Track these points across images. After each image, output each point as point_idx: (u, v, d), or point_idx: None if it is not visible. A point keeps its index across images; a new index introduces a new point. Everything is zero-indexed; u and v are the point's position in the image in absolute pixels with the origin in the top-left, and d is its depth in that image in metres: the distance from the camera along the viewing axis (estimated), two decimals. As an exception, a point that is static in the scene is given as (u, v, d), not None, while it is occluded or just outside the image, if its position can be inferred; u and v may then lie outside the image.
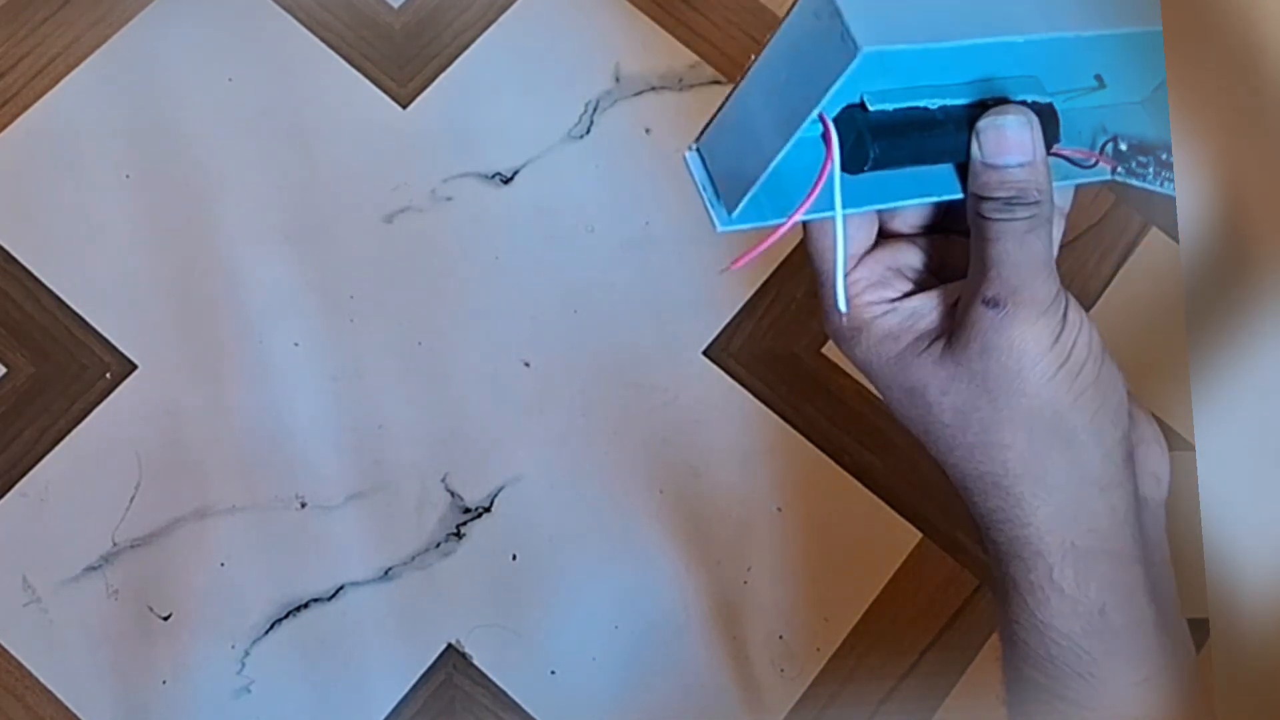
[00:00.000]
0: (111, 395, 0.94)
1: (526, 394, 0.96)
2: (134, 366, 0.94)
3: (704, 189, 0.43)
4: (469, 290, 0.98)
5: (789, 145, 0.40)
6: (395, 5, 1.05)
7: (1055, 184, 0.46)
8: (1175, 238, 0.98)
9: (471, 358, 0.97)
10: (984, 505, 0.44)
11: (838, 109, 0.42)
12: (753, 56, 0.41)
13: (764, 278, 0.97)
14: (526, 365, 0.97)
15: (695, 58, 1.04)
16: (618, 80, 1.04)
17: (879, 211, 0.46)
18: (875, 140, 0.42)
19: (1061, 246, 0.47)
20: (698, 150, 0.43)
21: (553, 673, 0.91)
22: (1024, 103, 0.43)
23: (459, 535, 0.93)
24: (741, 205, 0.42)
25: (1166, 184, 0.45)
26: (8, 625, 0.89)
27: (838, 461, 0.96)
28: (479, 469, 0.95)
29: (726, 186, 0.43)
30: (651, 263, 1.00)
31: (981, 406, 0.43)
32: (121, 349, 0.95)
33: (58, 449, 0.93)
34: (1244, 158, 0.37)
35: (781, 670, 0.92)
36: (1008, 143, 0.42)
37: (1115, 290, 1.00)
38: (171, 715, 0.89)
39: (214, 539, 0.92)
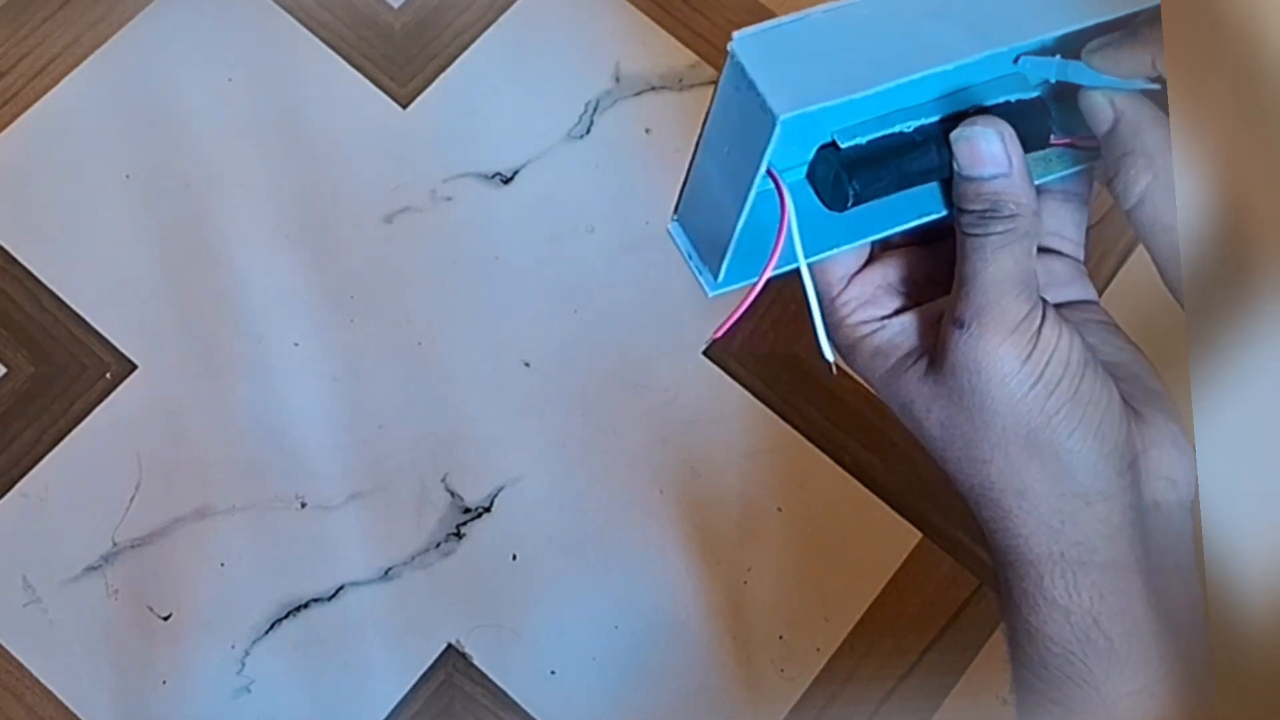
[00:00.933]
0: (111, 395, 0.94)
1: (526, 394, 0.96)
2: (134, 366, 0.94)
3: (690, 258, 0.43)
4: (469, 290, 0.98)
5: (746, 210, 0.40)
6: (395, 5, 1.05)
7: (1069, 172, 0.45)
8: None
9: (471, 358, 0.97)
10: (979, 514, 0.45)
11: (812, 151, 0.43)
12: (702, 124, 0.41)
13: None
14: (526, 365, 0.97)
15: (695, 58, 1.04)
16: (618, 80, 1.04)
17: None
18: (853, 177, 0.42)
19: (1089, 229, 0.47)
20: (678, 220, 0.44)
21: (553, 673, 0.91)
22: (1006, 103, 0.43)
23: (459, 535, 0.93)
24: (724, 269, 0.42)
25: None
26: (8, 625, 0.89)
27: (838, 461, 0.96)
28: (479, 469, 0.95)
29: (707, 252, 0.43)
30: (651, 263, 0.99)
31: (961, 423, 0.43)
32: (121, 349, 0.95)
33: (58, 449, 0.93)
34: (1244, 158, 0.37)
35: (781, 670, 0.92)
36: (979, 155, 0.42)
37: (1115, 290, 1.00)
38: (171, 715, 0.89)
39: (214, 539, 0.92)
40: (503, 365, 0.97)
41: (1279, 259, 0.37)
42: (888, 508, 0.95)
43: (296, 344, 0.96)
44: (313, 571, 0.92)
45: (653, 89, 1.04)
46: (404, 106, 1.02)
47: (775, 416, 0.96)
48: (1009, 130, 0.42)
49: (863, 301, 0.46)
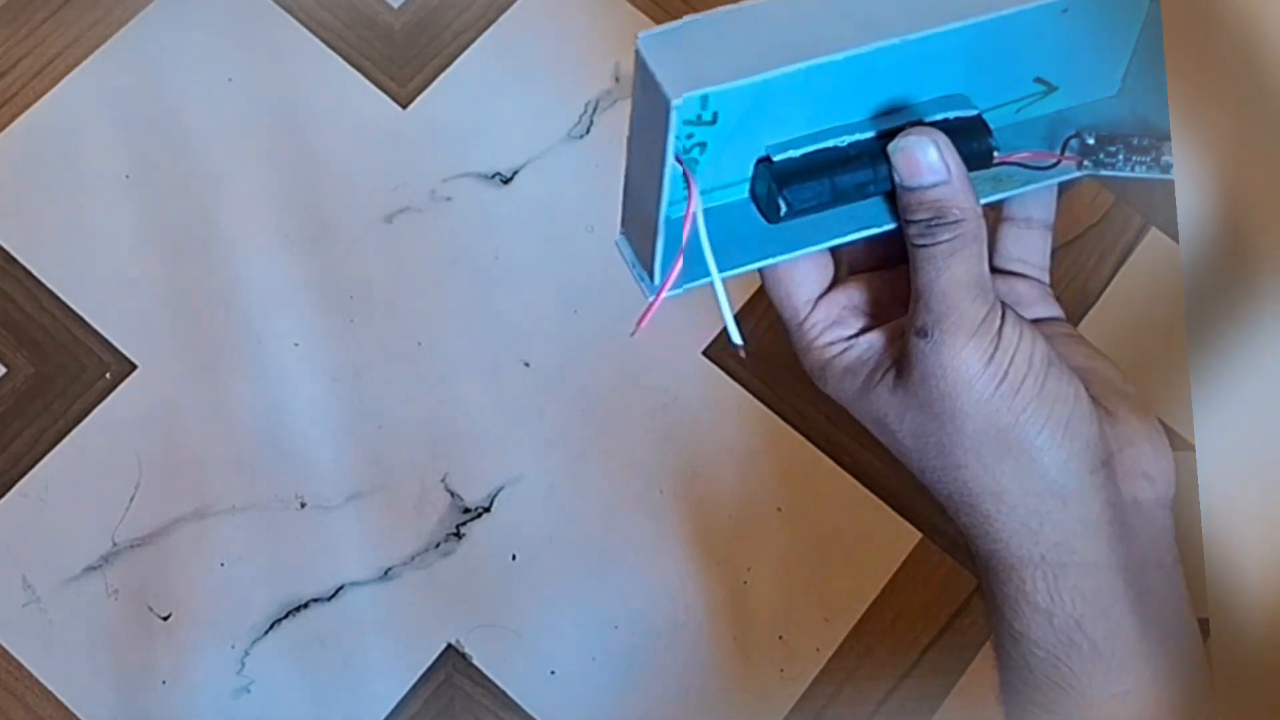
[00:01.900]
0: (111, 395, 0.94)
1: (526, 394, 0.96)
2: (134, 366, 0.94)
3: (632, 266, 0.44)
4: (469, 290, 0.98)
5: (663, 204, 0.41)
6: (395, 5, 1.05)
7: (1020, 190, 0.46)
8: (1175, 237, 0.98)
9: (471, 358, 0.97)
10: (959, 521, 0.45)
11: (751, 166, 0.44)
12: (628, 134, 0.42)
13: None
14: (526, 365, 0.97)
15: (695, 58, 1.04)
16: (618, 80, 1.04)
17: (831, 250, 0.47)
18: (784, 187, 0.43)
19: (1055, 250, 0.47)
20: (622, 233, 0.45)
21: (553, 673, 0.91)
22: (944, 120, 0.44)
23: (459, 535, 0.93)
24: (656, 268, 0.43)
25: (1138, 168, 0.45)
26: (8, 625, 0.89)
27: (838, 461, 0.96)
28: (479, 469, 0.95)
29: (646, 258, 0.44)
30: (651, 263, 0.99)
31: (933, 431, 0.44)
32: (121, 349, 0.95)
33: (58, 449, 0.93)
34: (1244, 157, 0.37)
35: (781, 670, 0.92)
36: (917, 164, 0.43)
37: (1115, 290, 1.00)
38: (171, 715, 0.89)
39: (214, 539, 0.92)
40: (503, 365, 0.97)
41: (1279, 259, 0.37)
42: (888, 508, 0.95)
43: (296, 344, 0.96)
44: (313, 571, 0.92)
45: (653, 89, 1.04)
46: (404, 106, 1.02)
47: (775, 416, 0.96)
48: (944, 139, 0.43)
49: (829, 323, 0.47)
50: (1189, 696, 0.45)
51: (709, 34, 0.40)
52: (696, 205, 0.42)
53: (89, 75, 1.01)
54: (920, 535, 0.95)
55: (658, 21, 1.05)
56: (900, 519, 0.95)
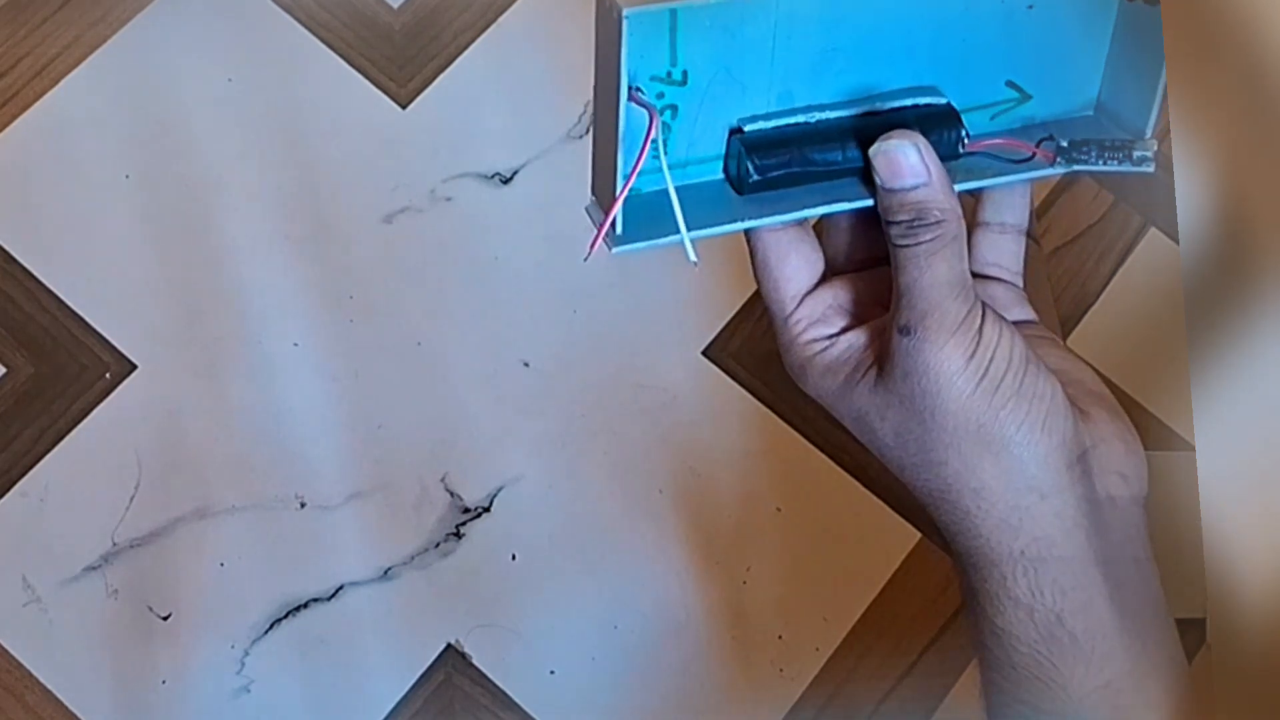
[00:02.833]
0: (111, 395, 0.94)
1: (526, 394, 0.96)
2: (134, 366, 0.95)
3: (597, 224, 0.45)
4: (469, 290, 0.99)
5: (621, 133, 0.42)
6: (395, 5, 1.05)
7: (993, 181, 0.47)
8: (1175, 238, 0.98)
9: (471, 358, 0.97)
10: (940, 519, 0.46)
11: (723, 141, 0.45)
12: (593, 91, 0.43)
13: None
14: (526, 365, 0.97)
15: (695, 58, 1.04)
16: (617, 80, 1.04)
17: (821, 248, 0.48)
18: (750, 154, 0.44)
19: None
20: (593, 197, 0.46)
21: (552, 673, 0.91)
22: (914, 106, 0.45)
23: (458, 535, 0.93)
24: (618, 217, 0.44)
25: (1110, 163, 0.46)
26: (8, 625, 0.89)
27: (838, 461, 0.96)
28: (479, 469, 0.95)
29: (604, 199, 0.45)
30: (652, 262, 1.00)
31: (914, 429, 0.45)
32: (121, 349, 0.95)
33: (58, 449, 0.93)
34: (1244, 157, 0.38)
35: (781, 670, 0.92)
36: (898, 167, 0.44)
37: (1115, 290, 1.01)
38: (171, 715, 0.89)
39: (214, 539, 0.92)
40: (502, 365, 0.97)
41: (1279, 259, 0.37)
42: (888, 508, 0.95)
43: (296, 344, 0.96)
44: (312, 571, 0.92)
45: (652, 89, 1.04)
46: (404, 107, 1.02)
47: (775, 417, 0.97)
48: (924, 142, 0.44)
49: (813, 320, 0.47)
50: (1165, 690, 0.45)
51: None
52: (656, 130, 0.42)
53: (89, 75, 1.01)
54: (920, 535, 0.95)
55: (657, 22, 1.05)
56: (900, 519, 0.95)
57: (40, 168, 0.99)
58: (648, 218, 0.44)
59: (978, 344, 0.43)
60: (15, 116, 0.99)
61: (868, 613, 0.93)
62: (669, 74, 0.42)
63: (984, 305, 0.44)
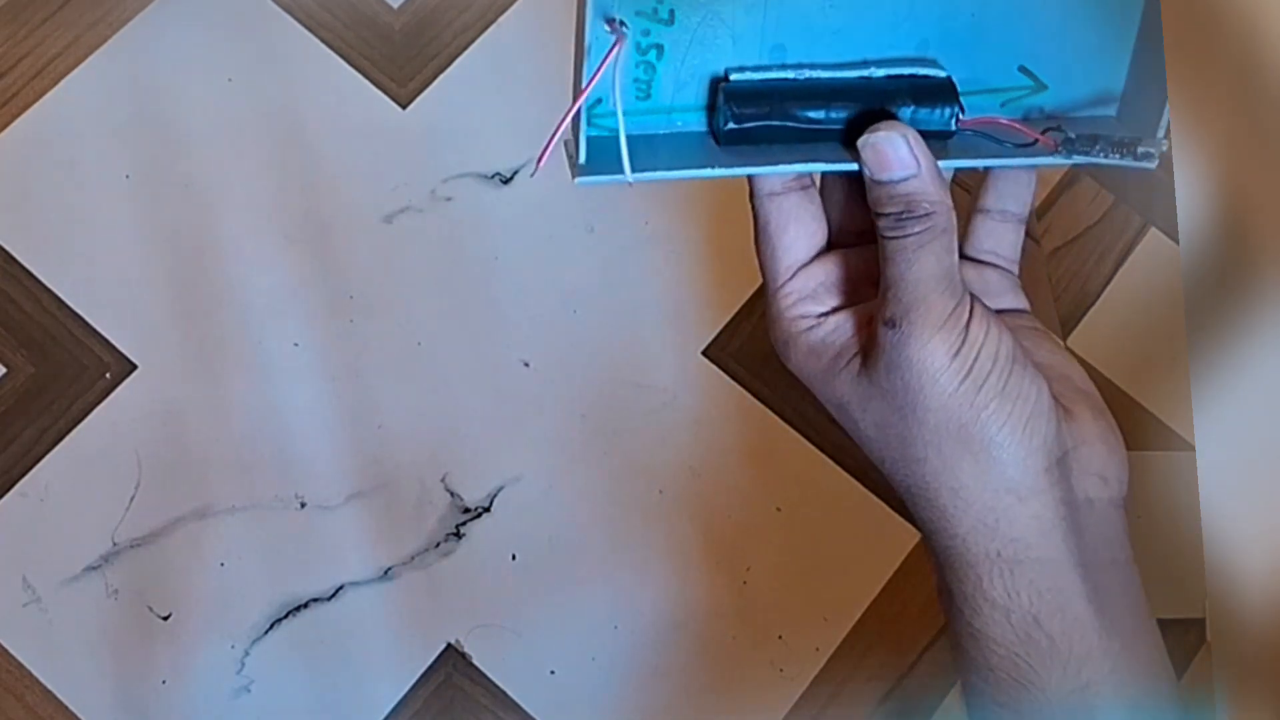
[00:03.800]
0: (111, 395, 0.94)
1: (526, 394, 0.96)
2: (134, 366, 0.94)
3: (569, 157, 0.44)
4: (469, 290, 0.98)
5: (589, 47, 0.41)
6: (395, 5, 1.05)
7: (987, 162, 0.46)
8: (1175, 238, 0.98)
9: (471, 358, 0.97)
10: (918, 515, 0.46)
11: (706, 87, 0.44)
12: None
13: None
14: (526, 365, 0.97)
15: (695, 58, 1.04)
16: (618, 80, 1.04)
17: (827, 223, 0.47)
18: (730, 103, 0.43)
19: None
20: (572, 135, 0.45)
21: (552, 673, 0.91)
22: (910, 75, 0.44)
23: (459, 535, 0.93)
24: (583, 142, 0.43)
25: (1112, 157, 0.45)
26: (8, 625, 0.89)
27: (838, 462, 0.96)
28: (479, 469, 0.95)
29: (574, 129, 0.44)
30: (651, 263, 1.00)
31: (895, 423, 0.44)
32: (121, 349, 0.95)
33: (58, 449, 0.93)
34: (1244, 157, 0.37)
35: (781, 670, 0.92)
36: (887, 159, 0.43)
37: (1115, 290, 1.01)
38: (171, 715, 0.89)
39: (214, 539, 0.92)
40: (503, 365, 0.97)
41: (1279, 259, 0.37)
42: (888, 508, 0.95)
43: (296, 344, 0.96)
44: (313, 571, 0.92)
45: (652, 89, 1.04)
46: (404, 107, 1.02)
47: (775, 417, 0.97)
48: (914, 133, 0.43)
49: (803, 296, 0.46)
50: (1145, 692, 0.45)
51: None
52: (617, 55, 0.42)
53: (89, 75, 1.01)
54: (920, 535, 0.95)
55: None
56: (900, 519, 0.95)
57: (40, 168, 0.99)
58: (617, 157, 0.43)
59: (963, 341, 0.43)
60: (15, 116, 0.99)
61: (868, 613, 0.93)
62: (655, 10, 0.42)
63: (972, 300, 0.44)
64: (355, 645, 0.91)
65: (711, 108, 0.45)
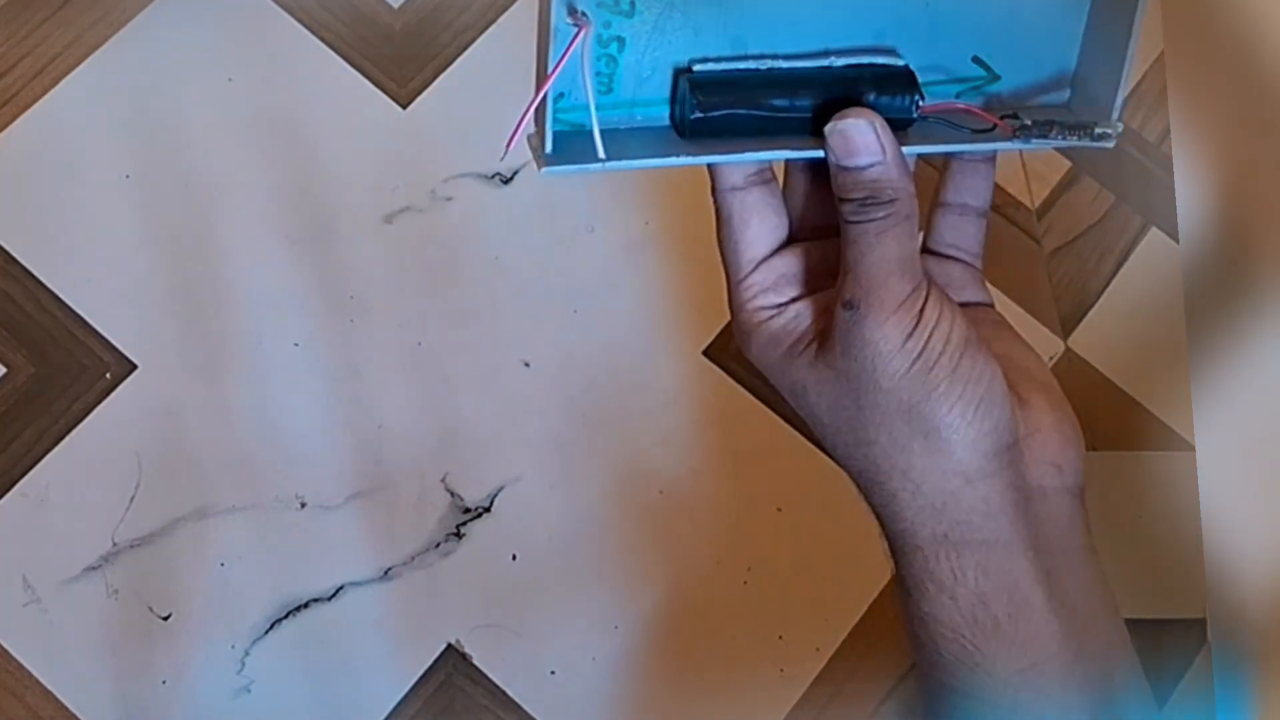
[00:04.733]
0: (111, 395, 0.94)
1: (526, 394, 0.96)
2: (134, 366, 0.95)
3: (532, 150, 0.45)
4: (469, 290, 0.99)
5: (552, 53, 0.42)
6: (395, 5, 1.05)
7: (946, 148, 0.47)
8: (1175, 237, 0.98)
9: (471, 358, 0.97)
10: (870, 501, 0.47)
11: (669, 80, 0.44)
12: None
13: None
14: (526, 365, 0.97)
15: (695, 58, 1.04)
16: (618, 80, 1.04)
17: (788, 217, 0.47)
18: (695, 92, 0.44)
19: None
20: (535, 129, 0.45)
21: (553, 673, 0.91)
22: (869, 64, 0.45)
23: (459, 535, 0.93)
24: (547, 141, 0.44)
25: (1070, 138, 0.46)
26: (8, 625, 0.89)
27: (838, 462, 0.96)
28: (479, 469, 0.95)
29: (540, 121, 0.44)
30: (651, 263, 1.00)
31: (848, 405, 0.45)
32: (121, 349, 0.95)
33: (58, 449, 0.93)
34: (1244, 158, 0.38)
35: (781, 670, 0.92)
36: (853, 145, 0.43)
37: (1115, 290, 1.00)
38: (171, 715, 0.89)
39: (214, 539, 0.92)
40: (503, 365, 0.97)
41: (1279, 259, 0.37)
42: (888, 508, 0.95)
43: (296, 344, 0.96)
44: (313, 571, 0.92)
45: (653, 89, 1.04)
46: (404, 107, 1.02)
47: (775, 416, 0.97)
48: (880, 120, 0.44)
49: (764, 288, 0.47)
50: (1091, 675, 0.45)
51: None
52: (580, 43, 0.42)
53: (89, 75, 1.01)
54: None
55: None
56: (900, 519, 0.95)
57: (40, 168, 0.99)
58: (583, 148, 0.44)
59: (917, 323, 0.43)
60: (15, 116, 0.99)
61: (868, 613, 0.93)
62: (616, 2, 0.42)
63: (930, 286, 0.44)
64: (355, 645, 0.91)
65: (674, 100, 0.45)
